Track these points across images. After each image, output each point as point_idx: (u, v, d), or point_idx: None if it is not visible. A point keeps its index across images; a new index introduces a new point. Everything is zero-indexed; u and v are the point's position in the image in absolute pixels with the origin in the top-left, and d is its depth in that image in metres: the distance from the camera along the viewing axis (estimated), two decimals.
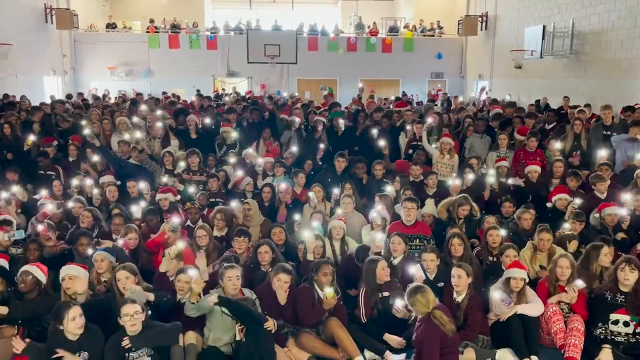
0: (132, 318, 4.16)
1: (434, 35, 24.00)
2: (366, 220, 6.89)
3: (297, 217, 6.68)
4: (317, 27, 23.73)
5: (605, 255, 5.23)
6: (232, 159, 8.67)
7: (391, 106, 12.15)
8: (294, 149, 8.96)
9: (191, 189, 7.77)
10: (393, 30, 24.14)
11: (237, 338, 4.55)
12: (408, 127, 9.52)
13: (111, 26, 23.27)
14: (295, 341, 4.84)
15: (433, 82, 23.54)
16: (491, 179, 7.79)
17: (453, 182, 7.46)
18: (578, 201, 6.69)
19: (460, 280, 4.84)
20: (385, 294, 5.17)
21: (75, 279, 4.65)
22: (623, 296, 4.79)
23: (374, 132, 9.28)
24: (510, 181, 7.88)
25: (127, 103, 12.93)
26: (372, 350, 4.89)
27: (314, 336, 4.89)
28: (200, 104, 13.09)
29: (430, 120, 9.06)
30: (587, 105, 12.00)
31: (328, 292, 4.80)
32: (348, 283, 5.73)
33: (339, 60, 22.62)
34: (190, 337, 4.59)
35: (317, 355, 4.79)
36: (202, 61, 22.35)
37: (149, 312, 4.42)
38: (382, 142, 8.93)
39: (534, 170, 7.78)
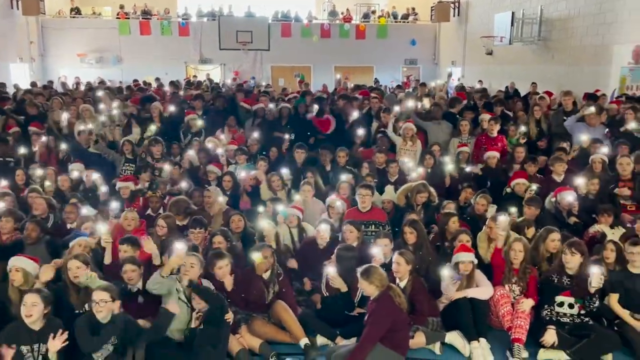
0: (97, 305, 4.14)
1: (407, 22, 24.00)
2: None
3: (260, 209, 6.66)
4: (291, 13, 23.57)
5: (553, 241, 5.33)
6: (192, 150, 8.60)
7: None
8: (256, 135, 8.92)
9: (166, 167, 7.80)
10: (366, 16, 24.09)
11: (193, 325, 4.58)
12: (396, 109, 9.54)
13: (75, 11, 22.77)
14: (247, 327, 4.88)
15: (407, 69, 23.64)
16: (450, 165, 7.88)
17: (417, 172, 7.52)
18: (534, 186, 6.82)
19: (400, 267, 4.90)
20: None
21: (21, 271, 4.59)
22: (569, 279, 4.91)
23: (354, 114, 9.38)
24: (468, 169, 7.98)
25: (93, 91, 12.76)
26: (324, 336, 4.95)
27: (266, 321, 4.95)
28: (173, 91, 12.96)
29: (397, 109, 9.15)
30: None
31: (256, 257, 4.91)
32: (304, 269, 5.79)
33: (313, 47, 22.53)
34: (142, 325, 4.58)
35: (269, 339, 4.84)
36: (174, 48, 22.09)
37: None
38: (360, 131, 8.97)
39: (492, 156, 7.89)
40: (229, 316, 4.57)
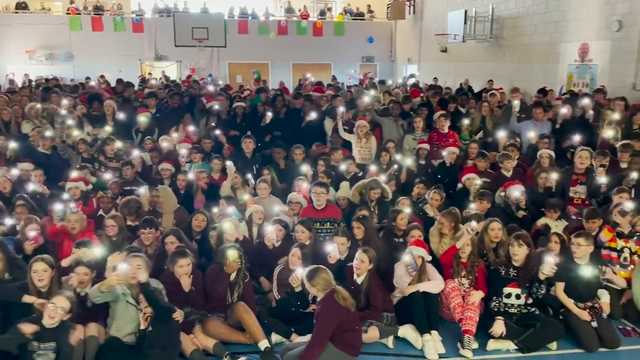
0: (52, 310, 4.12)
1: (364, 19, 24.18)
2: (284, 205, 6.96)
3: (215, 210, 6.57)
4: (247, 10, 23.41)
5: (493, 230, 5.49)
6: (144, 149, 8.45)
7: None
8: (216, 132, 8.84)
9: (107, 176, 7.58)
10: (322, 13, 24.16)
11: (142, 327, 4.52)
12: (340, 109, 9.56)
13: (21, 6, 22.00)
14: (202, 327, 4.84)
15: (364, 66, 23.82)
16: (407, 161, 8.00)
17: (370, 168, 7.60)
18: (479, 181, 7.01)
19: (362, 264, 4.97)
20: None
21: None
22: (515, 270, 5.06)
23: (313, 115, 9.41)
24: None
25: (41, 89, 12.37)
26: (279, 333, 4.96)
27: (221, 322, 4.92)
28: (123, 89, 12.68)
29: (341, 109, 9.25)
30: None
31: (231, 255, 4.88)
32: (261, 268, 5.79)
33: (270, 44, 22.47)
34: (92, 328, 4.50)
35: (224, 340, 4.81)
36: (128, 44, 21.65)
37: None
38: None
39: (452, 151, 7.98)
40: (178, 315, 4.52)
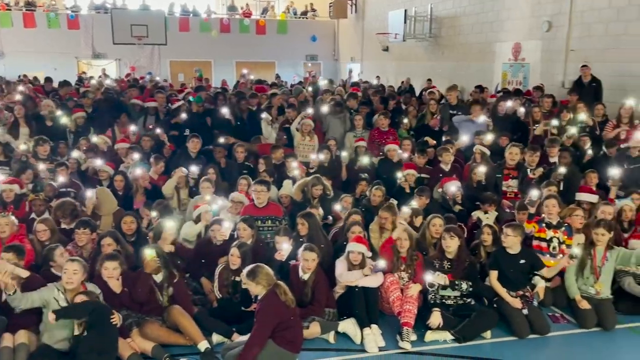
0: None
1: (307, 18, 24.25)
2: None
3: (153, 214, 6.36)
4: (188, 7, 23.03)
5: (434, 226, 5.66)
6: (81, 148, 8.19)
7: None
8: (158, 130, 8.66)
9: (41, 166, 7.33)
10: (264, 11, 24.09)
11: (76, 333, 4.39)
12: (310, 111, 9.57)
13: None
14: (139, 331, 4.74)
15: (308, 65, 23.87)
16: (347, 159, 8.09)
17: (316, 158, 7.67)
18: (409, 172, 7.20)
19: (311, 263, 5.00)
20: (238, 278, 5.19)
21: None
22: (449, 263, 5.22)
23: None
24: (366, 159, 8.21)
25: None
26: (220, 334, 4.92)
27: (159, 324, 4.83)
28: (52, 88, 12.25)
29: (309, 111, 9.30)
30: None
31: (148, 254, 4.85)
32: (201, 268, 5.72)
33: (213, 42, 22.16)
34: (21, 336, 4.34)
35: (163, 342, 4.73)
36: (63, 42, 20.84)
37: None
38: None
39: (392, 149, 8.14)
40: (116, 318, 4.43)
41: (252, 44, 22.64)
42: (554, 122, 8.54)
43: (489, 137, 8.04)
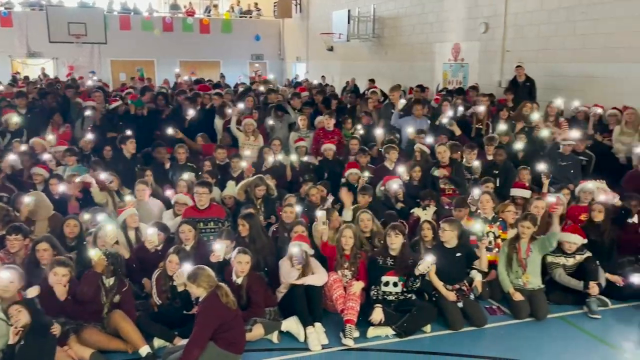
0: None
1: (251, 17, 24.12)
2: (165, 206, 6.80)
3: (86, 217, 6.20)
4: (129, 5, 22.48)
5: (362, 220, 5.81)
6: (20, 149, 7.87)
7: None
8: (89, 136, 8.41)
9: None
10: (208, 10, 23.83)
11: (11, 342, 4.22)
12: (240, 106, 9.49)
13: None
14: (77, 337, 4.62)
15: (254, 64, 23.73)
16: (292, 157, 8.12)
17: (247, 164, 7.62)
18: (366, 174, 7.30)
19: (244, 266, 4.97)
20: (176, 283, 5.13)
21: None
22: (392, 259, 5.32)
23: (190, 112, 9.23)
24: (306, 158, 8.26)
25: None
26: (161, 338, 4.85)
27: (98, 330, 4.71)
28: None
29: (240, 106, 9.23)
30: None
31: (95, 254, 4.75)
32: (141, 273, 5.60)
33: (156, 41, 21.71)
34: None
35: (102, 348, 4.62)
36: None
37: None
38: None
39: (329, 148, 8.25)
40: (56, 329, 4.30)
41: (196, 43, 22.35)
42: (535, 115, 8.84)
43: (429, 140, 8.23)
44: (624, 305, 5.69)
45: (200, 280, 4.37)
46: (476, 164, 7.46)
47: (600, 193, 6.50)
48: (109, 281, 4.86)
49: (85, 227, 6.07)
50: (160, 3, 24.85)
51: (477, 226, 5.71)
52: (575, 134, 7.98)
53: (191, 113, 9.32)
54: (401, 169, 7.33)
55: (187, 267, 4.80)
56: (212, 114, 9.76)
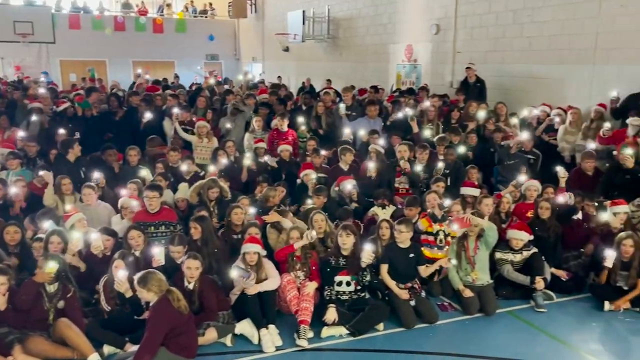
0: None
1: (206, 17, 23.86)
2: (115, 209, 6.66)
3: (45, 224, 5.89)
4: (79, 3, 21.90)
5: (317, 221, 5.85)
6: None
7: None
8: (21, 133, 8.14)
9: None
10: (160, 10, 23.47)
11: None
12: (175, 111, 9.32)
13: None
14: (22, 347, 4.47)
15: (209, 65, 23.49)
16: (247, 161, 8.08)
17: (209, 169, 7.55)
18: (313, 175, 7.32)
19: (194, 271, 4.91)
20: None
21: None
22: (344, 259, 5.36)
23: (148, 115, 9.10)
24: (266, 158, 8.22)
25: None
26: (111, 345, 4.75)
27: (44, 339, 4.58)
28: None
29: (176, 110, 9.12)
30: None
31: (50, 267, 4.61)
32: (88, 280, 5.46)
33: (107, 41, 21.21)
34: None
35: (49, 358, 4.50)
36: None
37: None
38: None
39: (285, 149, 8.23)
40: None
41: (149, 42, 21.99)
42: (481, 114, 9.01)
43: (382, 141, 8.33)
44: (568, 299, 5.92)
45: (150, 285, 4.31)
46: (440, 164, 7.54)
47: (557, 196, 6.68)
48: (52, 287, 4.72)
49: (31, 233, 5.89)
50: (111, 2, 24.32)
51: (454, 227, 5.74)
52: (525, 135, 8.24)
53: (148, 116, 9.12)
54: (371, 165, 7.40)
55: (122, 273, 4.75)
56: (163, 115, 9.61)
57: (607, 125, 7.78)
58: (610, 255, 5.52)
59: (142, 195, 6.39)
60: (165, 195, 6.64)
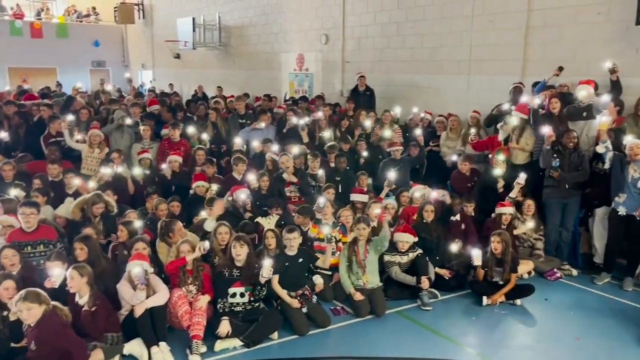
0: None
1: (90, 22, 22.74)
2: None
3: None
4: None
5: (220, 234, 5.76)
6: None
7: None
8: None
9: None
10: (38, 14, 22.04)
11: None
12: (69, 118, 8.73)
13: None
14: None
15: (95, 72, 22.39)
16: (136, 171, 7.81)
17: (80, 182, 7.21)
18: (215, 187, 7.24)
19: (74, 281, 4.68)
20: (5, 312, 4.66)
21: None
22: (238, 270, 5.33)
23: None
24: (165, 166, 7.99)
25: None
26: None
27: None
28: None
29: (70, 117, 8.64)
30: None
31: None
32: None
33: None
34: None
35: None
36: None
37: None
38: None
39: (174, 160, 8.04)
40: None
41: (27, 48, 20.54)
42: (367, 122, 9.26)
43: (276, 147, 8.40)
44: (451, 296, 6.29)
45: (31, 298, 4.09)
46: (320, 172, 7.73)
47: (430, 193, 7.10)
48: None
49: None
50: None
51: (325, 229, 5.91)
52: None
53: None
54: (251, 177, 7.38)
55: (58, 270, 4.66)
56: (41, 127, 9.02)
57: (472, 131, 8.33)
58: (476, 254, 5.95)
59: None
60: (44, 211, 6.24)
